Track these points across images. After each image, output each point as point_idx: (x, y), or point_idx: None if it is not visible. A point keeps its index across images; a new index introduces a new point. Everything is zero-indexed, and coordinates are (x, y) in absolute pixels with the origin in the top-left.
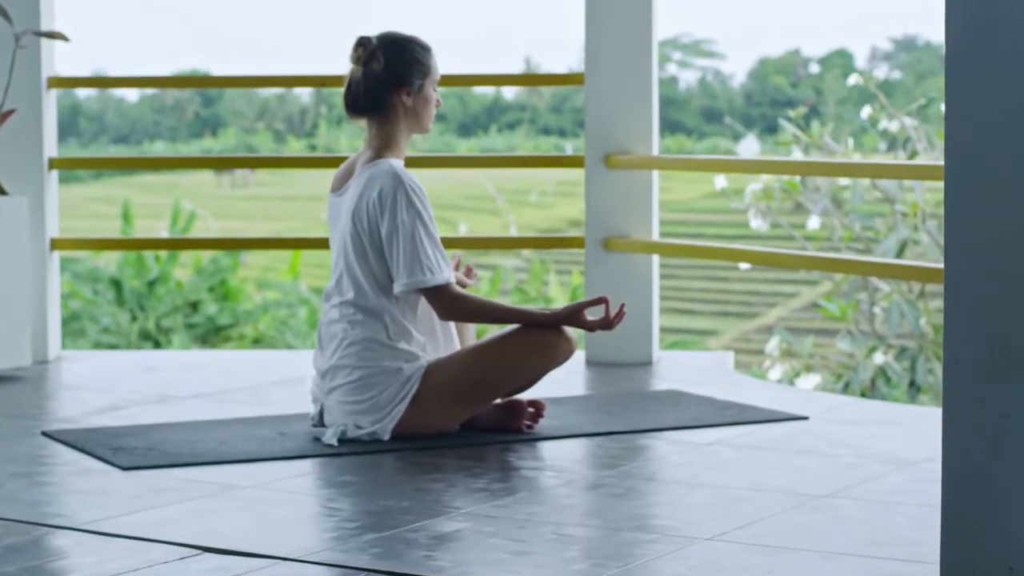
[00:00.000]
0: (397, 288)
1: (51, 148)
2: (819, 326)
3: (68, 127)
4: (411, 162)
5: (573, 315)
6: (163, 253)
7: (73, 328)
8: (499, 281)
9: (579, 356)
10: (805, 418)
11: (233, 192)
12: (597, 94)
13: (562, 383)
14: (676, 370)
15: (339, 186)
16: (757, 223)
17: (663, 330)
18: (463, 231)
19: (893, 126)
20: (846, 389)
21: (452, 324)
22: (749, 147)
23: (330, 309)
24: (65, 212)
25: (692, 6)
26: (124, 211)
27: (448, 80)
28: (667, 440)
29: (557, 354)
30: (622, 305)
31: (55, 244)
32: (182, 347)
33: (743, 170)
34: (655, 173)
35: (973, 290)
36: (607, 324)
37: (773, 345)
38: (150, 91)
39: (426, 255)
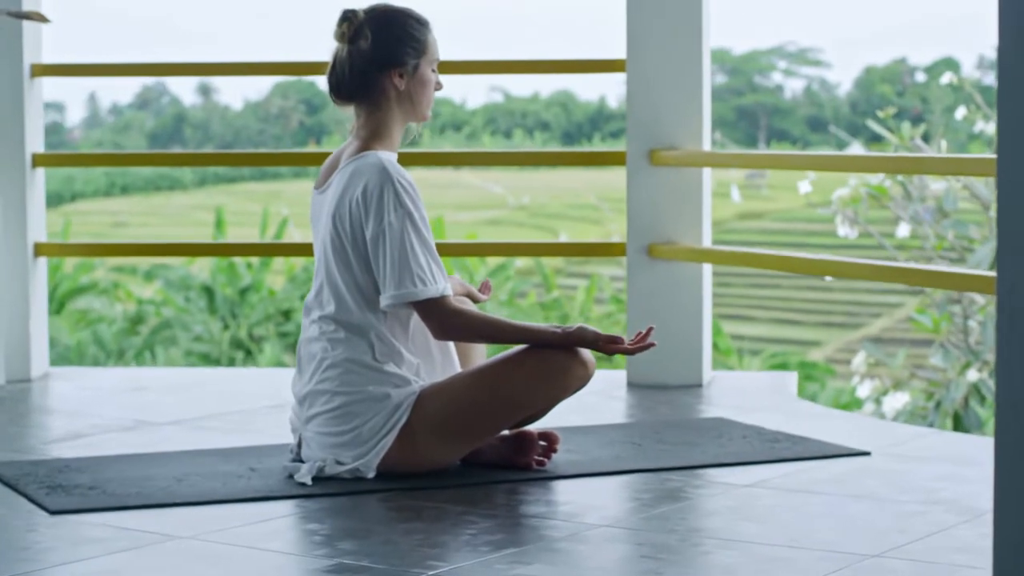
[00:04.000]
0: (384, 301)
1: (35, 143)
2: (921, 337)
3: (173, 135)
4: (430, 159)
5: (588, 335)
6: (255, 261)
7: (164, 336)
8: (595, 289)
9: (619, 377)
10: (867, 454)
11: None
12: (640, 82)
13: (595, 409)
14: (728, 394)
15: (322, 182)
16: (844, 231)
17: (764, 340)
18: (563, 241)
19: (990, 128)
20: (938, 408)
21: (452, 344)
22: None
23: (309, 325)
24: (168, 219)
25: (798, 15)
26: (217, 218)
27: (476, 67)
28: (701, 480)
29: (570, 380)
30: (649, 329)
31: (40, 249)
32: (273, 356)
33: (793, 167)
34: (706, 171)
35: None
36: (626, 348)
37: (859, 360)
38: (255, 99)
39: (417, 263)
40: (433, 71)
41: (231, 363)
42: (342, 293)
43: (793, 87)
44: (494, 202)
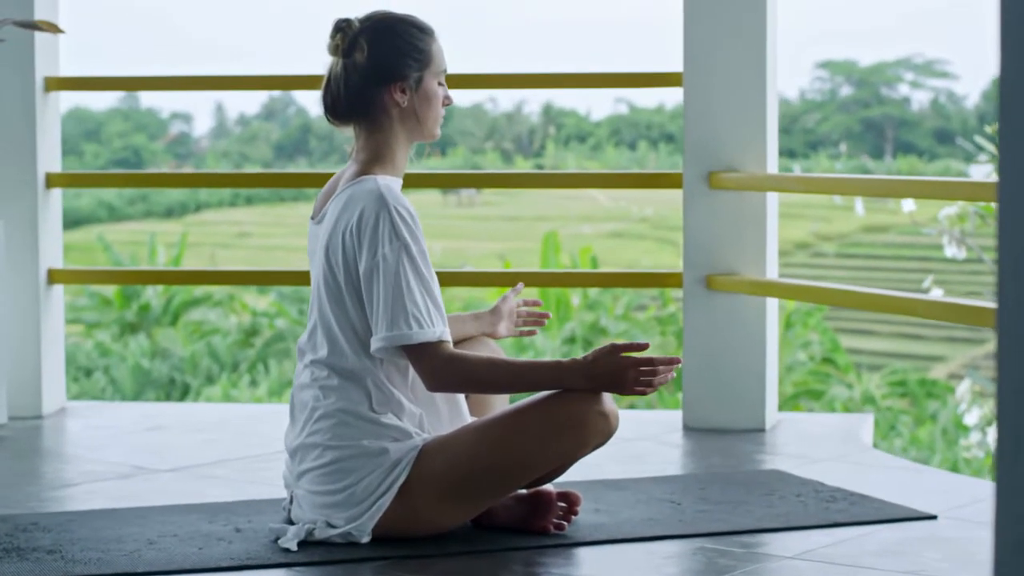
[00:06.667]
0: (375, 344)
1: (49, 162)
2: None
3: (299, 145)
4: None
5: (616, 352)
6: None
7: (277, 349)
8: None
9: (675, 419)
10: (932, 517)
11: (459, 211)
12: (698, 97)
13: (642, 456)
14: (793, 441)
15: (318, 211)
16: (952, 251)
17: (885, 355)
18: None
19: None
20: None
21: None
22: (982, 169)
23: (302, 370)
24: (290, 230)
25: (925, 26)
26: None
27: (514, 81)
28: (740, 548)
29: (587, 435)
30: (674, 359)
31: (53, 276)
32: None
33: (864, 192)
34: (771, 196)
35: None
36: (657, 375)
37: (964, 388)
38: None
39: (413, 302)
40: (440, 84)
41: None
42: (335, 335)
43: (920, 99)
44: (618, 214)
